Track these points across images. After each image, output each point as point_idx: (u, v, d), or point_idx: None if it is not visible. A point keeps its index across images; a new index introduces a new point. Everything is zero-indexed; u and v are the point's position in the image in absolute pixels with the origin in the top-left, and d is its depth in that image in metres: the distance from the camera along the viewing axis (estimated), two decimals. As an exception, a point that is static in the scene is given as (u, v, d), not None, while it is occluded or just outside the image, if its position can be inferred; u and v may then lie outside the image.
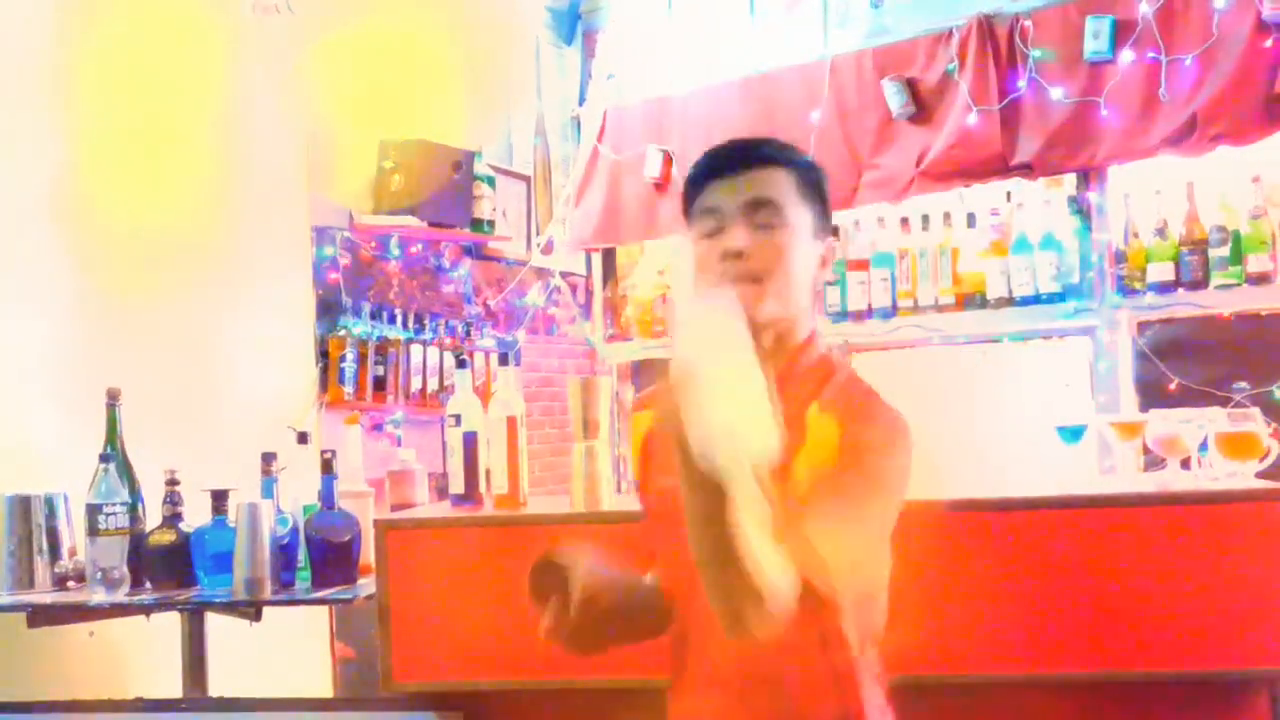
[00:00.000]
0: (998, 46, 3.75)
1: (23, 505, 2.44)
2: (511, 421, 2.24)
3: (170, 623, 2.48)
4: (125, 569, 2.35)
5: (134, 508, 2.43)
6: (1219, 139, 3.39)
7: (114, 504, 2.36)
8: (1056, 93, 3.63)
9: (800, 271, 1.50)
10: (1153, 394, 3.54)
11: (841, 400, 1.47)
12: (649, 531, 1.61)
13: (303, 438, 2.66)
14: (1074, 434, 2.23)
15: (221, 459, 2.66)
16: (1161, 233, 3.58)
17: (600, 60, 4.67)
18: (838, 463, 1.41)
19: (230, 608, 2.34)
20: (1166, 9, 3.47)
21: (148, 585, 2.43)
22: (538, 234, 4.45)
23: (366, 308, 3.58)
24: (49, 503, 2.47)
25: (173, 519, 2.43)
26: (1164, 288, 3.56)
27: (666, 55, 4.49)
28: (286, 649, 3.01)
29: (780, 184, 1.50)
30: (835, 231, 1.57)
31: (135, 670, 2.70)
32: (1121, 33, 3.54)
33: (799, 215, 1.50)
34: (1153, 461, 2.37)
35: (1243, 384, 2.86)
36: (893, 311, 3.96)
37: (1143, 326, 3.64)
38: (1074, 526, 1.94)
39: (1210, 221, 3.50)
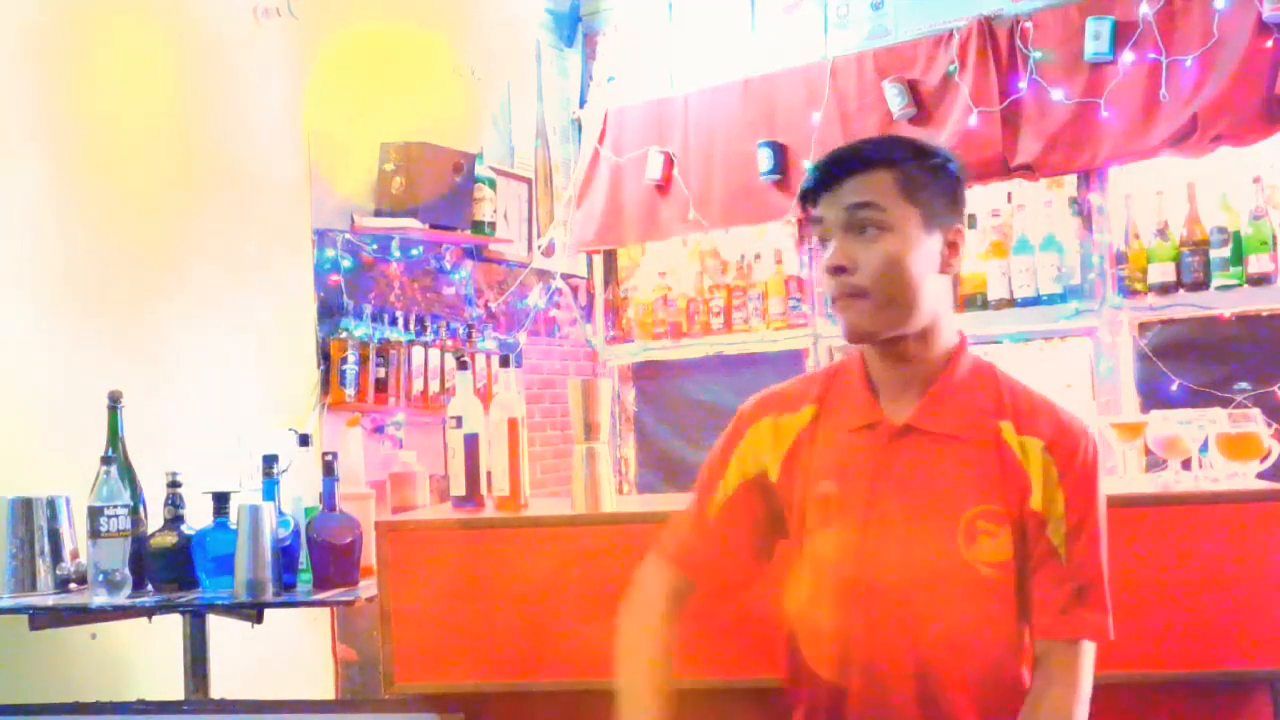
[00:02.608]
0: (998, 48, 3.75)
1: (24, 508, 2.44)
2: (513, 423, 2.24)
3: (172, 625, 2.48)
4: (127, 571, 2.35)
5: (135, 510, 2.43)
6: (1219, 140, 3.40)
7: (115, 506, 2.36)
8: (1057, 94, 3.64)
9: (915, 274, 1.45)
10: (1154, 395, 3.55)
11: (1033, 418, 1.48)
12: (789, 529, 1.57)
13: (304, 440, 2.66)
14: (1075, 435, 2.22)
15: (223, 461, 2.67)
16: (1162, 234, 3.58)
17: (601, 62, 4.68)
18: (1069, 508, 1.45)
19: (232, 610, 2.34)
20: (1167, 10, 3.48)
21: (149, 587, 2.43)
22: (539, 236, 4.46)
23: (368, 310, 3.58)
24: (51, 505, 2.47)
25: (174, 521, 2.43)
26: (1165, 289, 3.56)
27: (667, 57, 4.50)
28: (288, 651, 3.01)
29: (881, 185, 1.45)
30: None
31: (137, 672, 2.71)
32: (1122, 34, 3.54)
33: (904, 213, 1.45)
34: (1154, 462, 2.38)
35: (1244, 385, 2.87)
36: (894, 313, 3.96)
37: (1144, 327, 3.64)
38: (1075, 527, 1.94)
39: (1211, 222, 3.50)
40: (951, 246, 1.49)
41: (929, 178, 1.48)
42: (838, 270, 1.45)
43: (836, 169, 1.48)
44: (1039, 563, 1.45)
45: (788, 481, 1.55)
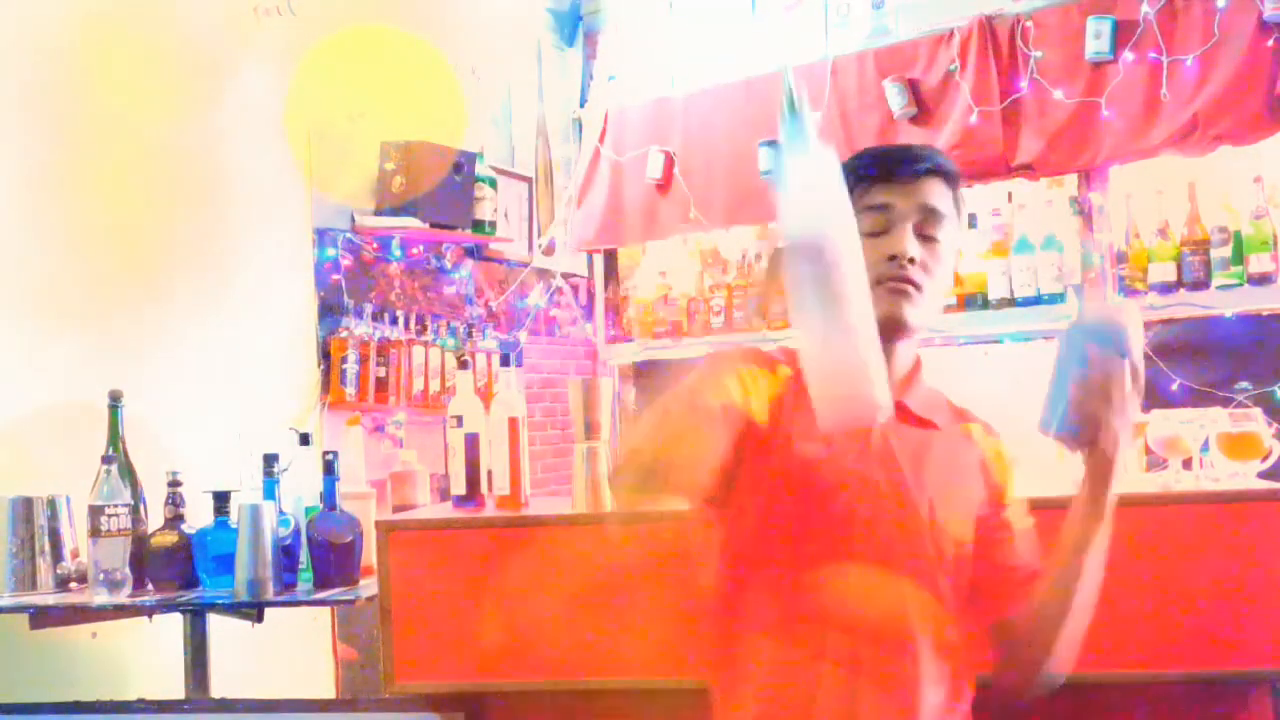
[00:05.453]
0: (999, 47, 3.75)
1: (25, 507, 2.44)
2: (513, 422, 2.24)
3: (172, 624, 2.48)
4: (127, 570, 2.35)
5: (136, 509, 2.43)
6: (1220, 139, 3.40)
7: (116, 505, 2.36)
8: (1058, 93, 3.64)
9: (948, 281, 1.56)
10: (1154, 394, 3.54)
11: (989, 425, 1.62)
12: (776, 502, 1.50)
13: (304, 439, 2.66)
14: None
15: (223, 460, 2.67)
16: (1163, 233, 3.58)
17: (601, 61, 4.68)
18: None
19: (232, 609, 2.34)
20: (1168, 10, 3.47)
21: (150, 586, 2.43)
22: (539, 235, 4.46)
23: (368, 309, 3.58)
24: (51, 504, 2.47)
25: (175, 520, 2.43)
26: (1166, 288, 3.56)
27: (668, 56, 4.49)
28: (288, 650, 3.01)
29: (943, 193, 1.53)
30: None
31: (137, 671, 2.70)
32: (1123, 33, 3.54)
33: (951, 227, 1.54)
34: (1154, 462, 2.37)
35: (1244, 384, 2.86)
36: (894, 312, 3.96)
37: (1144, 327, 3.63)
38: (1075, 527, 1.94)
39: (1212, 222, 3.50)
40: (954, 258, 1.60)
41: (959, 195, 1.57)
42: (907, 260, 1.49)
43: (911, 166, 1.53)
44: (999, 543, 1.54)
45: (775, 431, 1.49)
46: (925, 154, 1.55)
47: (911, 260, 1.49)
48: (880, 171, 1.53)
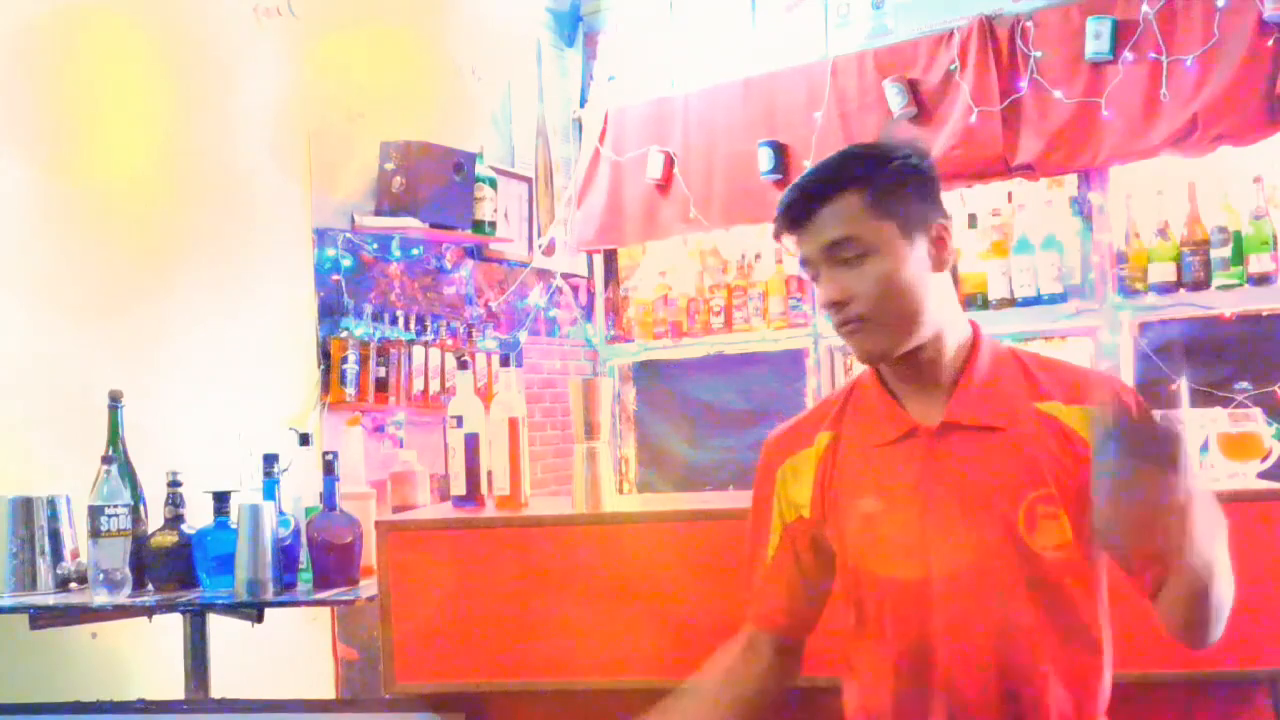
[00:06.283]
0: (999, 47, 3.75)
1: (25, 507, 2.44)
2: (513, 423, 2.24)
3: (172, 624, 2.48)
4: (127, 570, 2.35)
5: (136, 509, 2.43)
6: (1220, 139, 3.40)
7: (116, 505, 2.36)
8: (1058, 93, 3.64)
9: (911, 286, 1.43)
10: (1154, 395, 3.54)
11: (1075, 388, 1.46)
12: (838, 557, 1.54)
13: (304, 439, 2.66)
14: (1075, 435, 2.22)
15: (223, 460, 2.67)
16: (1163, 233, 3.58)
17: (601, 61, 4.68)
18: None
19: (232, 609, 2.34)
20: (1167, 10, 3.48)
21: (150, 587, 2.43)
22: (539, 235, 4.46)
23: (368, 309, 3.58)
24: (51, 504, 2.47)
25: (175, 520, 2.43)
26: (1165, 288, 3.56)
27: (668, 56, 4.50)
28: (288, 650, 3.01)
29: (851, 211, 1.42)
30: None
31: (137, 672, 2.71)
32: (1123, 33, 3.54)
33: (881, 231, 1.42)
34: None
35: (1244, 384, 2.86)
36: (894, 312, 3.96)
37: (1144, 327, 3.64)
38: (1075, 527, 1.94)
39: (1212, 222, 3.50)
40: (939, 243, 1.46)
41: (896, 185, 1.44)
42: (835, 305, 1.44)
43: (803, 205, 1.45)
44: None
45: (820, 514, 1.53)
46: (814, 185, 1.45)
47: (837, 303, 1.44)
48: (787, 225, 1.48)
